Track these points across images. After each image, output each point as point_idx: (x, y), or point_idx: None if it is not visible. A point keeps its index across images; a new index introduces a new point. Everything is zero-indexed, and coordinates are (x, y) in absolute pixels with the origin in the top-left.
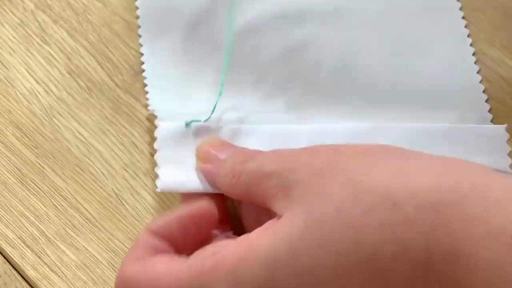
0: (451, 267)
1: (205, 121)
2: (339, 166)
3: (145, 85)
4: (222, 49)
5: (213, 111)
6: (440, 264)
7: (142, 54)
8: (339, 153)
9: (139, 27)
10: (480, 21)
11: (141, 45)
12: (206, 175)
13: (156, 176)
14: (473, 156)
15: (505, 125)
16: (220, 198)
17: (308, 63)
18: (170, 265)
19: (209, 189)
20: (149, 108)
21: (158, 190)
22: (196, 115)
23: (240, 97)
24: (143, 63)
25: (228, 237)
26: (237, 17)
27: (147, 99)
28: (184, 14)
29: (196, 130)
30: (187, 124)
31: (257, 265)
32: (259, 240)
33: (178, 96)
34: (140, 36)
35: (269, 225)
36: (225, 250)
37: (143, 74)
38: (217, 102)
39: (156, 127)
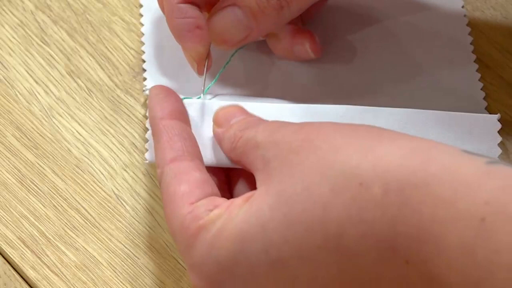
0: (418, 249)
1: (197, 98)
2: (315, 144)
3: (144, 61)
4: None
5: (206, 91)
6: (407, 246)
7: (143, 34)
8: (320, 131)
9: (141, 6)
10: (479, 21)
11: (142, 25)
12: (216, 138)
13: (146, 159)
14: (464, 144)
15: (497, 115)
16: (218, 171)
17: (310, 71)
18: (188, 195)
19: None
20: (144, 83)
21: (146, 162)
22: (188, 94)
23: (234, 84)
24: (143, 43)
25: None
26: None
27: (144, 78)
28: None
29: (188, 107)
30: None
31: (231, 239)
32: (237, 211)
33: (173, 77)
34: (141, 15)
35: (249, 196)
36: (212, 215)
37: (143, 56)
38: (212, 83)
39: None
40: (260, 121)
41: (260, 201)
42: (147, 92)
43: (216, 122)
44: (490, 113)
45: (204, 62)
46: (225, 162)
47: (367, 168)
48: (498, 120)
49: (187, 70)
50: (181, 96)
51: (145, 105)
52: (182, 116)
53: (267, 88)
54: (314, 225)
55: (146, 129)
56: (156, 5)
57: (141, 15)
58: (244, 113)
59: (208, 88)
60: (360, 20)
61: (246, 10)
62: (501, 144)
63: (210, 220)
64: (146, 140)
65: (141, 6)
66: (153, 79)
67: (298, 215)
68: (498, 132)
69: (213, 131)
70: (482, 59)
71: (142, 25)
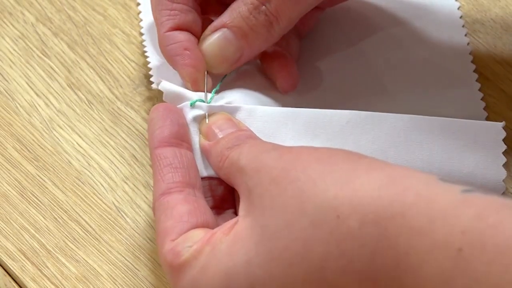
0: (398, 281)
1: (209, 100)
2: (293, 175)
3: (147, 59)
4: None
5: (215, 91)
6: (387, 278)
7: (142, 34)
8: (298, 160)
9: (139, 5)
10: (479, 33)
11: (142, 34)
12: (203, 152)
13: None
14: (468, 151)
15: (502, 123)
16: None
17: (309, 60)
18: (171, 231)
19: (205, 173)
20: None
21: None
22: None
23: (241, 88)
24: (144, 54)
25: (225, 218)
26: None
27: (150, 74)
28: None
29: (192, 113)
30: (192, 104)
31: (215, 276)
32: (220, 247)
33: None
34: (141, 20)
35: (230, 228)
36: (192, 252)
37: (145, 53)
38: (221, 81)
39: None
40: (247, 137)
41: (244, 236)
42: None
43: (203, 133)
44: (486, 113)
45: (199, 84)
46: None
47: (343, 200)
48: (503, 128)
49: None
50: (191, 100)
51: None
52: (177, 139)
53: (272, 94)
54: (297, 260)
55: (147, 142)
56: None
57: (141, 19)
58: (232, 125)
59: (213, 96)
60: (358, 30)
61: (235, 31)
62: (505, 154)
63: (192, 256)
64: (148, 156)
65: (139, 12)
66: (159, 76)
67: (281, 250)
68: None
69: (200, 143)
70: (482, 71)
71: (142, 34)
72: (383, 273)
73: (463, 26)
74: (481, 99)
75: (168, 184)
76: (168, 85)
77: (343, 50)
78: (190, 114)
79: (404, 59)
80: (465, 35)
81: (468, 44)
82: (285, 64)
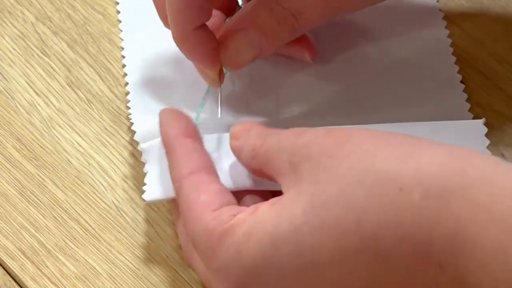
0: (453, 253)
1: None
2: (348, 149)
3: (127, 90)
4: None
5: (197, 118)
6: (442, 250)
7: (122, 48)
8: (350, 135)
9: (120, 21)
10: (479, 33)
11: (122, 39)
12: (234, 152)
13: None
14: None
15: (482, 119)
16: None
17: (287, 64)
18: (209, 203)
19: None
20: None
21: (145, 201)
22: None
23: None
24: (124, 62)
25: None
26: None
27: (128, 107)
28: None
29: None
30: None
31: (260, 242)
32: (265, 215)
33: (158, 104)
34: (121, 30)
35: (276, 201)
36: (236, 220)
37: (125, 78)
38: (199, 114)
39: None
40: (279, 130)
41: (293, 205)
42: (132, 120)
43: (234, 135)
44: (489, 124)
45: (220, 79)
46: (229, 185)
47: (407, 174)
48: (484, 124)
49: (170, 94)
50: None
51: (130, 132)
52: (195, 135)
53: (263, 108)
54: (350, 229)
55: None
56: (136, 24)
57: (121, 37)
58: (261, 126)
59: (197, 118)
60: (342, 33)
61: (260, 33)
62: (500, 156)
63: (235, 224)
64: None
65: (120, 29)
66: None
67: (333, 218)
68: (486, 136)
69: (231, 145)
70: (483, 71)
71: (122, 39)
72: (439, 245)
73: (442, 18)
74: (463, 91)
75: (195, 166)
76: (140, 124)
77: (336, 56)
78: None
79: (385, 61)
80: (445, 27)
81: (448, 36)
82: (308, 41)
